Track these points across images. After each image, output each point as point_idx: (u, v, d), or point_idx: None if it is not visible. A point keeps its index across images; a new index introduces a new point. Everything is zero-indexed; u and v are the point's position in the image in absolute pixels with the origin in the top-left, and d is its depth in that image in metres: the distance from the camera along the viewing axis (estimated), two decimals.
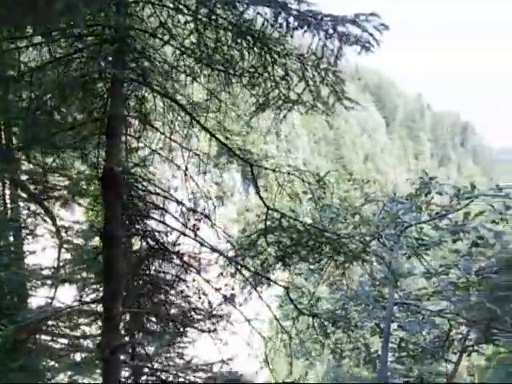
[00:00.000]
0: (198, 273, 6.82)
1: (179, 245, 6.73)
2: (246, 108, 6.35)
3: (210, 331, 7.44)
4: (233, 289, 8.10)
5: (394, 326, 10.62)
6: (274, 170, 6.02)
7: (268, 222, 6.30)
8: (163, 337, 8.09)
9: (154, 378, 8.70)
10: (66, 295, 9.02)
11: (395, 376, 11.24)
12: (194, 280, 6.89)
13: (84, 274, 9.04)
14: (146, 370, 8.83)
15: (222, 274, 7.44)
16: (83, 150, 6.65)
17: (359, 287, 10.93)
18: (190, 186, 6.40)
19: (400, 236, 9.83)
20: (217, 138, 5.98)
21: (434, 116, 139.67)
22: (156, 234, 6.61)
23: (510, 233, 10.01)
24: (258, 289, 7.44)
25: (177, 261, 6.83)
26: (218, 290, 7.10)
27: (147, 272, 6.89)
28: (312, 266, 9.28)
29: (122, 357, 8.89)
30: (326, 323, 7.61)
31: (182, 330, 7.98)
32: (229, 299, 8.07)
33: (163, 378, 8.91)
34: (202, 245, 6.45)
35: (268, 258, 6.69)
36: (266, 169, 6.10)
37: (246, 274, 7.30)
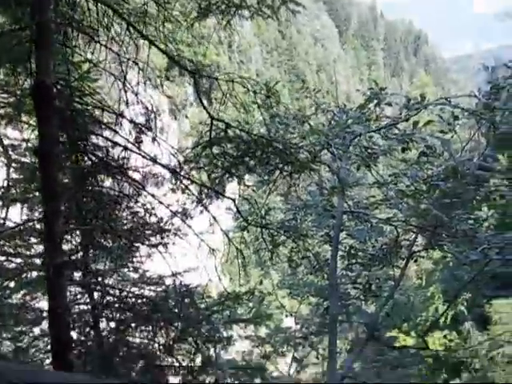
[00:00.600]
0: (143, 188, 6.65)
1: (124, 159, 6.51)
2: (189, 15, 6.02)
3: (157, 245, 7.40)
4: (184, 204, 8.01)
5: (343, 234, 10.79)
6: (216, 79, 5.77)
7: (213, 134, 6.11)
8: (112, 252, 8.00)
9: (106, 294, 8.70)
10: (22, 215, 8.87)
11: (345, 282, 11.55)
12: (139, 195, 6.72)
13: (35, 193, 8.83)
14: (99, 286, 8.81)
15: (173, 189, 7.30)
16: (11, 62, 6.17)
17: (308, 196, 10.95)
18: (130, 98, 6.09)
19: (349, 146, 9.78)
20: (156, 46, 5.65)
21: (388, 25, 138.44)
22: (98, 149, 6.36)
23: (457, 142, 10.10)
24: (212, 201, 7.35)
25: (121, 176, 6.62)
26: (162, 203, 6.97)
27: (91, 188, 6.67)
28: (266, 177, 9.21)
29: (76, 275, 8.91)
30: (274, 234, 7.64)
31: (131, 245, 7.92)
32: (180, 213, 7.98)
33: (117, 293, 8.93)
34: (144, 158, 6.26)
35: (214, 170, 6.56)
36: (209, 77, 5.84)
37: (196, 187, 7.19)
